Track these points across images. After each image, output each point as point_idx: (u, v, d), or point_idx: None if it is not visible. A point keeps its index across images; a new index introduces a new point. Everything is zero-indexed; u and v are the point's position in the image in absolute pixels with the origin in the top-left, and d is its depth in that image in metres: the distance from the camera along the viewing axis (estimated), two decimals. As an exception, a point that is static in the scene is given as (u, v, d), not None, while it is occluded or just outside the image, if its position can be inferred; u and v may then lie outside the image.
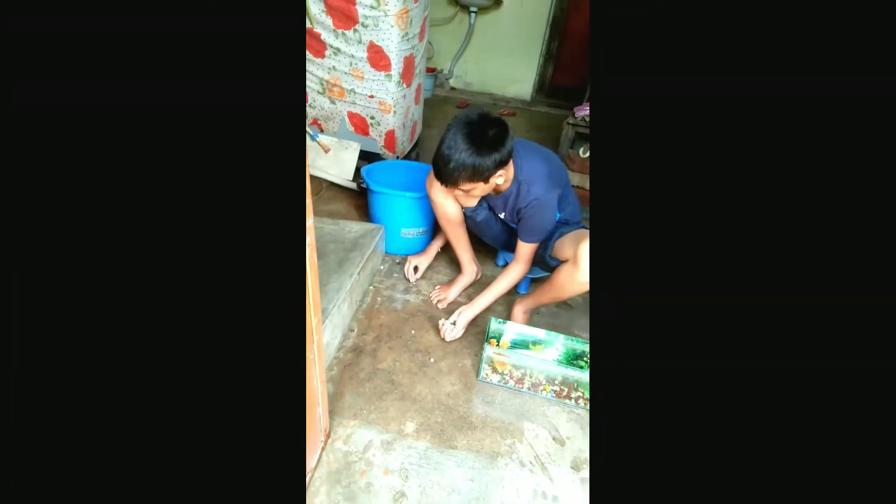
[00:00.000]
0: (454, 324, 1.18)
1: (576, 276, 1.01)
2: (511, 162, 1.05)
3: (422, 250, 1.54)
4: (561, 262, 1.10)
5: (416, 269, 1.39)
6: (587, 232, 1.06)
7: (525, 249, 1.16)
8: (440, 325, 1.19)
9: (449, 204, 1.21)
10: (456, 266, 1.47)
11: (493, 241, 1.36)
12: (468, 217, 1.25)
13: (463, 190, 1.03)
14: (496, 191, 1.13)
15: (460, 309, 1.20)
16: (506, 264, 1.49)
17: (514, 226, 1.21)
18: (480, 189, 1.04)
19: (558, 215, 1.15)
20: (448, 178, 0.99)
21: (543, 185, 1.08)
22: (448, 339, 1.18)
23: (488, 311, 1.32)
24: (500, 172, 1.00)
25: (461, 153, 0.94)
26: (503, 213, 1.19)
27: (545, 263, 1.18)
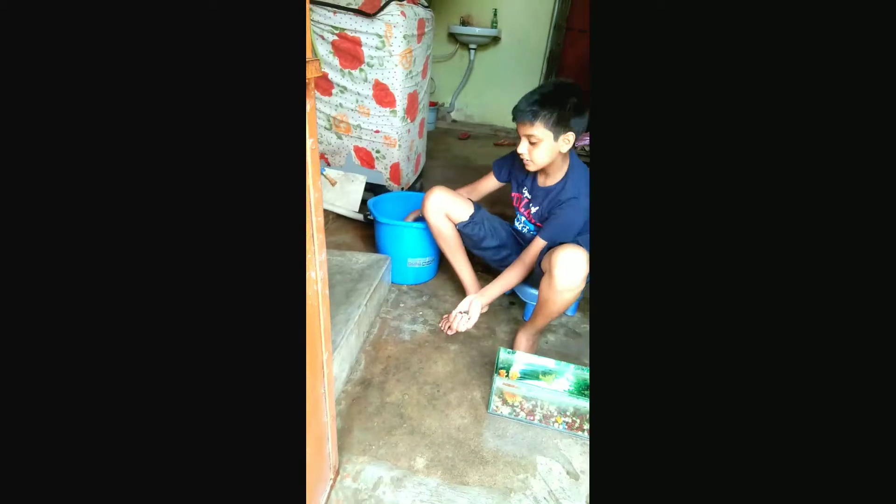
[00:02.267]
0: (466, 313, 1.16)
1: (553, 284, 1.05)
2: (571, 151, 1.17)
3: (429, 279, 1.55)
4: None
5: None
6: (564, 245, 1.08)
7: (536, 248, 1.18)
8: (451, 317, 1.18)
9: (444, 224, 1.29)
10: (461, 293, 1.47)
11: (491, 260, 1.38)
12: (465, 235, 1.30)
13: (533, 135, 1.08)
14: (544, 182, 1.21)
15: (470, 297, 1.20)
16: (512, 292, 1.49)
17: (530, 233, 1.25)
18: (544, 148, 1.10)
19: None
20: (530, 111, 1.06)
21: (586, 190, 1.15)
22: (462, 329, 1.17)
23: (496, 341, 1.31)
24: (569, 136, 1.09)
25: (553, 97, 1.05)
26: (536, 208, 1.23)
27: (536, 277, 1.20)
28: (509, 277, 1.22)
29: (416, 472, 0.91)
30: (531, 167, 1.16)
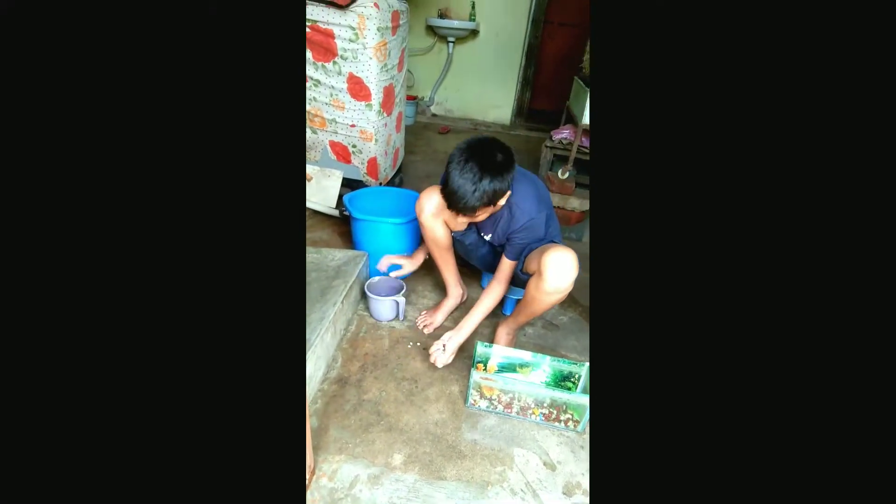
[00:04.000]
0: (443, 349, 1.16)
1: (542, 286, 1.03)
2: None
3: (408, 275, 1.54)
4: (530, 276, 1.11)
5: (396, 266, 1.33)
6: (552, 244, 1.08)
7: (507, 267, 1.16)
8: (431, 353, 1.16)
9: (439, 228, 1.21)
10: (441, 290, 1.47)
11: (479, 263, 1.36)
12: (457, 241, 1.26)
13: (478, 217, 1.02)
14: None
15: (448, 335, 1.17)
16: (490, 286, 1.49)
17: (499, 247, 1.22)
18: (487, 213, 1.04)
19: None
20: (468, 207, 0.97)
21: (535, 205, 1.10)
22: (440, 365, 1.15)
23: (475, 334, 1.31)
24: (507, 195, 1.02)
25: (481, 181, 0.94)
26: (490, 235, 1.19)
27: (519, 279, 1.18)
28: (487, 303, 1.18)
29: (394, 468, 0.90)
30: (464, 225, 1.14)
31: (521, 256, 1.14)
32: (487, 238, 1.21)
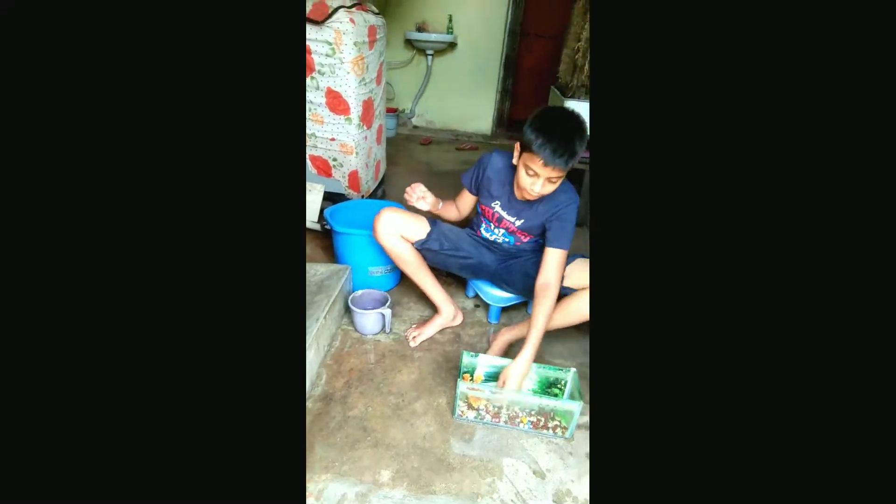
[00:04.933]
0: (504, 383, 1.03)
1: None
2: None
3: (392, 287, 1.53)
4: (574, 290, 1.13)
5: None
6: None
7: (557, 258, 1.10)
8: (498, 385, 1.03)
9: (399, 244, 1.22)
10: (425, 300, 1.46)
11: (459, 270, 1.33)
12: (423, 251, 1.24)
13: (561, 175, 1.04)
14: (524, 195, 1.13)
15: (509, 373, 1.03)
16: (476, 295, 1.49)
17: (508, 244, 1.23)
18: (559, 181, 1.07)
19: None
20: (574, 155, 1.00)
21: (572, 190, 1.16)
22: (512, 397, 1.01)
23: (461, 345, 1.31)
24: None
25: (581, 130, 1.00)
26: (520, 221, 1.20)
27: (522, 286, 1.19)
28: (542, 319, 1.05)
29: (382, 485, 0.89)
30: (533, 198, 1.08)
31: (569, 243, 1.13)
32: (518, 224, 1.21)
